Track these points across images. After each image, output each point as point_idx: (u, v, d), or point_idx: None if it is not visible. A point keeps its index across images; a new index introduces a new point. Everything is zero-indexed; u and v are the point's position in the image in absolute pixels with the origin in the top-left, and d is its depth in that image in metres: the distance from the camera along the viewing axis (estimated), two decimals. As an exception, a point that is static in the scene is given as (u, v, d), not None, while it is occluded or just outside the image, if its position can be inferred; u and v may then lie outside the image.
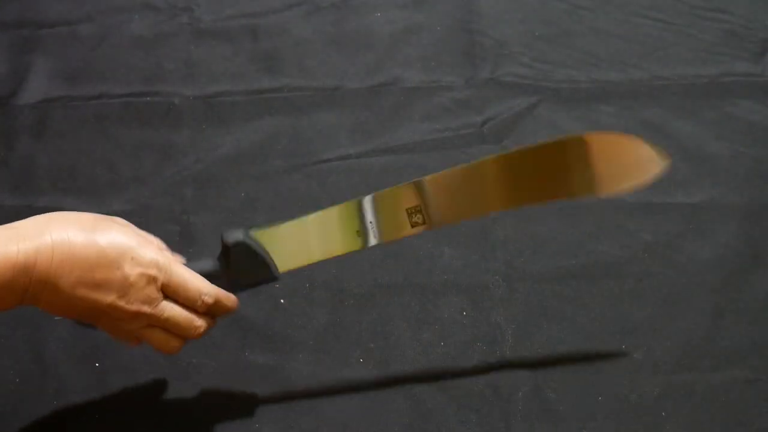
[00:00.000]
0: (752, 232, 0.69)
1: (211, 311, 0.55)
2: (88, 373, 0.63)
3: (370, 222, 0.57)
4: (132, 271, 0.51)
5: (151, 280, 0.52)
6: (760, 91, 0.77)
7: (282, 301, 0.66)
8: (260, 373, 0.63)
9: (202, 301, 0.54)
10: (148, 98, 0.77)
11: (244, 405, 0.62)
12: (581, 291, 0.66)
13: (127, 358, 0.63)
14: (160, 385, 0.63)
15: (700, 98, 0.76)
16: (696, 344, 0.64)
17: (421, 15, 0.82)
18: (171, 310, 0.53)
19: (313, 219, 0.57)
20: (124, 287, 0.51)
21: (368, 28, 0.81)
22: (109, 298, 0.50)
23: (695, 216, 0.70)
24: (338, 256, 0.57)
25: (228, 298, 0.56)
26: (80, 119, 0.76)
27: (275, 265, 0.57)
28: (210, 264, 0.56)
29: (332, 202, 0.70)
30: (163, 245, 0.56)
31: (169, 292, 0.53)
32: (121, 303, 0.51)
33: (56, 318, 0.63)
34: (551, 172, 0.57)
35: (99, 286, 0.50)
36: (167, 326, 0.54)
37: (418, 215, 0.57)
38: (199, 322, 0.55)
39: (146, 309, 0.52)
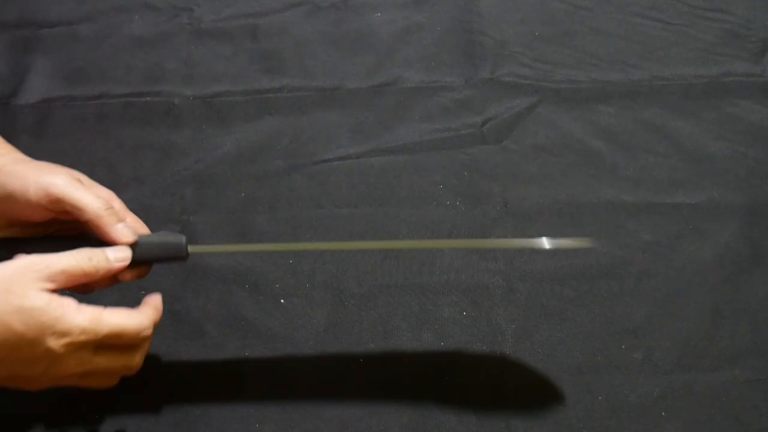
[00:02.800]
0: (752, 232, 0.69)
1: (145, 342, 0.55)
2: (88, 373, 0.63)
3: None
4: (57, 344, 0.49)
5: (81, 346, 0.50)
6: (760, 91, 0.77)
7: (282, 301, 0.66)
8: (260, 373, 0.63)
9: (144, 338, 0.53)
10: (148, 98, 0.77)
11: (244, 405, 0.62)
12: (581, 291, 0.66)
13: (127, 358, 0.63)
14: (160, 385, 0.63)
15: (700, 98, 0.76)
16: (696, 344, 0.64)
17: (421, 15, 0.82)
18: (106, 362, 0.52)
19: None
20: (53, 359, 0.50)
21: (368, 28, 0.81)
22: (39, 370, 0.50)
23: (695, 216, 0.70)
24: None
25: (157, 309, 0.55)
26: (80, 119, 0.76)
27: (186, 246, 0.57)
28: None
29: (331, 202, 0.71)
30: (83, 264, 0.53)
31: (105, 346, 0.52)
32: (52, 372, 0.50)
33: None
34: None
35: (26, 362, 0.49)
36: (102, 374, 0.53)
37: None
38: (135, 362, 0.54)
39: (79, 370, 0.51)
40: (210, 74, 0.79)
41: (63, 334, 0.49)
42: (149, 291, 0.57)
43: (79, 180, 0.57)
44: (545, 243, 0.56)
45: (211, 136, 0.75)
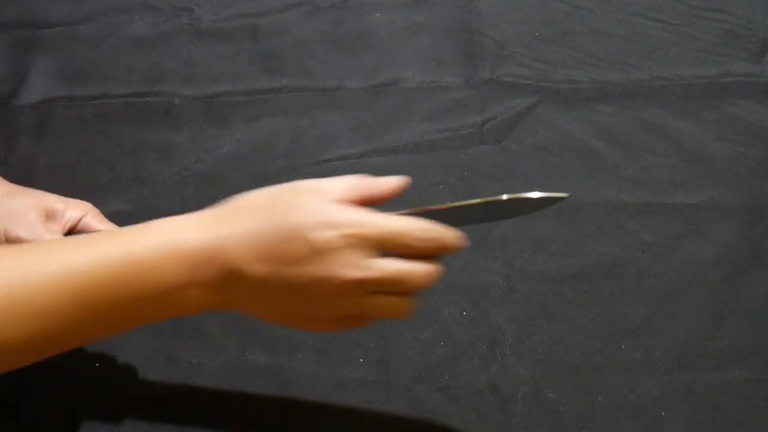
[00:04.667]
0: (752, 232, 0.69)
1: (432, 252, 0.46)
2: (88, 372, 0.63)
3: None
4: (325, 236, 0.44)
5: (351, 238, 0.44)
6: (759, 91, 0.77)
7: (282, 301, 0.66)
8: (260, 373, 0.63)
9: (425, 237, 0.45)
10: (148, 98, 0.77)
11: (244, 405, 0.62)
12: (581, 291, 0.66)
13: (128, 358, 0.63)
14: (160, 385, 0.63)
15: (699, 98, 0.76)
16: (696, 344, 0.64)
17: (421, 15, 0.82)
18: (388, 265, 0.45)
19: None
20: (322, 254, 0.44)
21: (368, 28, 0.81)
22: (309, 270, 0.44)
23: (695, 216, 0.70)
24: None
25: (448, 231, 0.47)
26: (80, 119, 0.76)
27: None
28: None
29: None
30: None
31: (380, 245, 0.45)
32: (326, 274, 0.44)
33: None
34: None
35: (292, 260, 0.44)
36: (389, 287, 0.45)
37: None
38: (426, 267, 0.46)
39: (356, 274, 0.44)
40: (210, 74, 0.79)
41: (330, 225, 0.44)
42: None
43: (49, 216, 0.57)
44: (533, 194, 0.51)
45: (211, 136, 0.75)
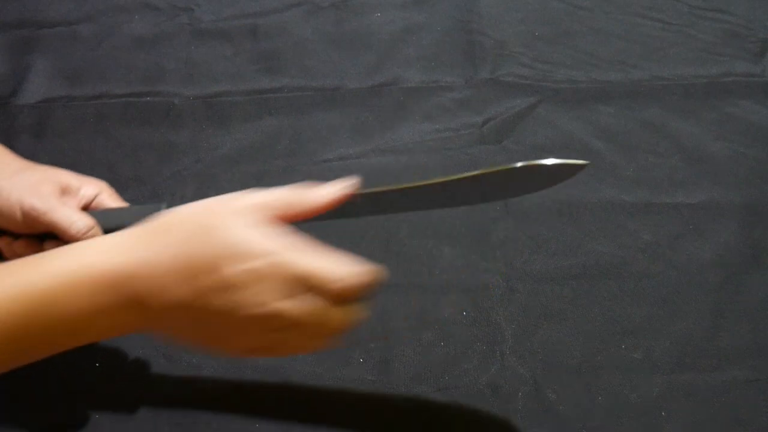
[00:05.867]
0: (752, 232, 0.69)
1: (349, 295, 0.45)
2: (88, 372, 0.63)
3: None
4: (235, 270, 0.43)
5: (260, 277, 0.43)
6: (760, 91, 0.77)
7: (282, 301, 0.66)
8: (260, 373, 0.63)
9: (337, 288, 0.44)
10: (148, 98, 0.77)
11: (244, 405, 0.62)
12: (581, 291, 0.66)
13: (128, 358, 0.63)
14: (161, 385, 0.63)
15: (700, 98, 0.76)
16: (696, 344, 0.64)
17: (421, 15, 0.82)
18: (294, 308, 0.44)
19: None
20: (231, 290, 0.43)
21: (368, 28, 0.81)
22: (216, 304, 0.43)
23: (695, 216, 0.70)
24: None
25: (362, 272, 0.46)
26: (80, 119, 0.76)
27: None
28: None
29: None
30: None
31: (295, 282, 0.44)
32: (232, 309, 0.43)
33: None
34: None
35: (201, 293, 0.43)
36: (295, 329, 0.45)
37: None
38: (334, 315, 0.45)
39: (261, 311, 0.43)
40: (210, 74, 0.79)
41: (242, 258, 0.43)
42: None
43: (64, 191, 0.58)
44: (548, 161, 0.51)
45: (211, 136, 0.75)
